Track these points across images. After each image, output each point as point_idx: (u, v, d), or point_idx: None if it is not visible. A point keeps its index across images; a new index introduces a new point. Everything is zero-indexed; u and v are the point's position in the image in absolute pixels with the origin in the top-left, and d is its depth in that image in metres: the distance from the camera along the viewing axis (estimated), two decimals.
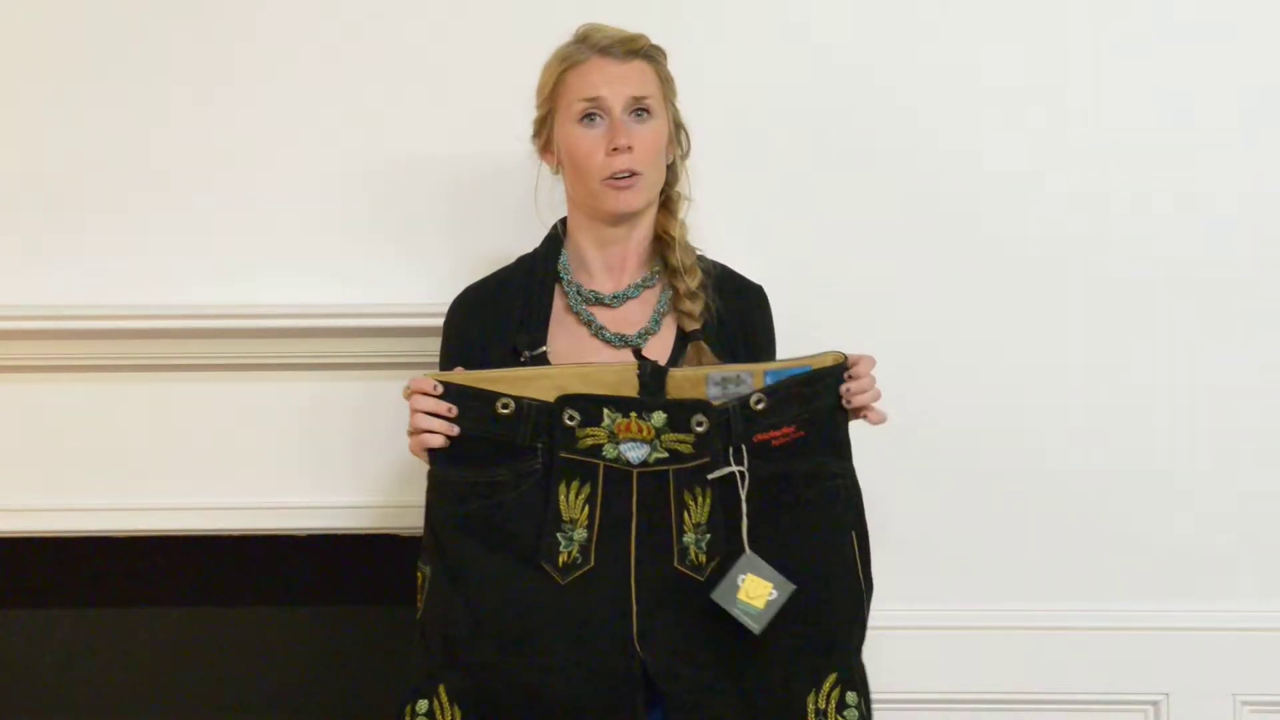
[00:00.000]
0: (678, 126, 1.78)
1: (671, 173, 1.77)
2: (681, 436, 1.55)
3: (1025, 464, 2.13)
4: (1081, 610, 2.14)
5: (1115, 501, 2.14)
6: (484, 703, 1.54)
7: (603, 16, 1.75)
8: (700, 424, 1.55)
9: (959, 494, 2.12)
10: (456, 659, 1.55)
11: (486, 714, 1.54)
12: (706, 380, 1.56)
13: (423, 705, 1.55)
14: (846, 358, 1.60)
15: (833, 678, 1.57)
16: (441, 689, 1.54)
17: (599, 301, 1.74)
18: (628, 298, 1.75)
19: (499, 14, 2.11)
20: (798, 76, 2.12)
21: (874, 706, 1.63)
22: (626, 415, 1.55)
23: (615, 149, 1.67)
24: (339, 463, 2.10)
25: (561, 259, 1.77)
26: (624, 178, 1.68)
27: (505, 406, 1.55)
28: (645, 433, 1.55)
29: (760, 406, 1.56)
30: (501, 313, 1.70)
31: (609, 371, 1.58)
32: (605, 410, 1.55)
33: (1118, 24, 2.13)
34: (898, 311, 2.10)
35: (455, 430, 1.55)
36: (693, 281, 1.72)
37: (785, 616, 1.53)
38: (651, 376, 1.56)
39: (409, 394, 1.58)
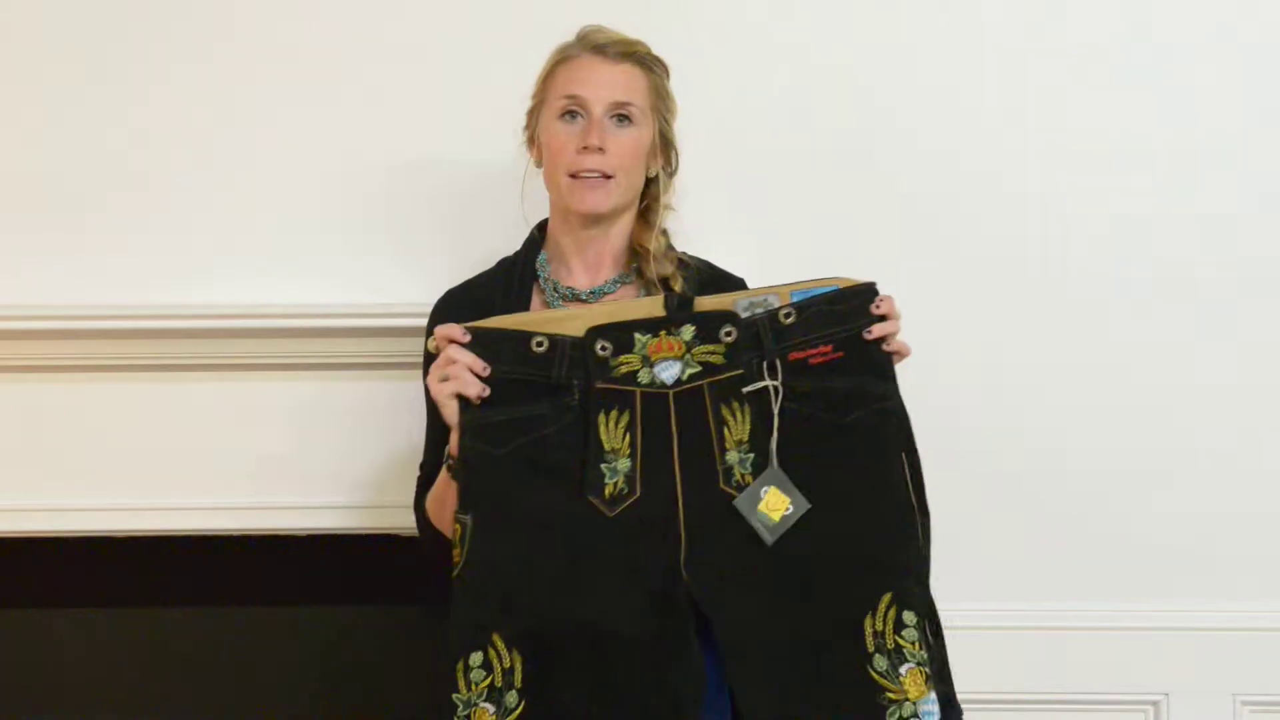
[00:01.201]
0: (666, 141, 1.78)
1: (654, 186, 1.78)
2: (711, 347, 1.55)
3: (1024, 464, 2.13)
4: (1081, 610, 2.14)
5: (1115, 501, 2.14)
6: (542, 643, 1.52)
7: (599, 17, 1.76)
8: (729, 334, 1.55)
9: (957, 494, 2.09)
10: (510, 603, 1.52)
11: (544, 653, 1.52)
12: (734, 304, 1.58)
13: (476, 658, 1.51)
14: (874, 283, 1.60)
15: (887, 597, 1.54)
16: (496, 637, 1.51)
17: (575, 297, 1.74)
18: (604, 293, 1.75)
19: (497, 16, 2.11)
20: (792, 74, 2.12)
21: None
22: (656, 335, 1.55)
23: (586, 147, 1.67)
24: (339, 463, 2.10)
25: (540, 257, 1.78)
26: (591, 177, 1.68)
27: (540, 345, 1.54)
28: (676, 349, 1.55)
29: (789, 320, 1.56)
30: (481, 312, 1.69)
31: (637, 306, 1.59)
32: (635, 334, 1.55)
33: (1118, 22, 2.13)
34: None
35: (486, 391, 1.53)
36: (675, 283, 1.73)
37: (834, 539, 1.53)
38: (679, 303, 1.58)
39: (436, 343, 1.56)
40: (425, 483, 1.76)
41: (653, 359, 1.55)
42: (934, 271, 2.11)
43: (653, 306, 1.58)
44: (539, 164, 1.78)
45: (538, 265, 1.78)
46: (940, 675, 1.56)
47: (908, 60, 2.13)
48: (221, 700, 2.23)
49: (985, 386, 2.12)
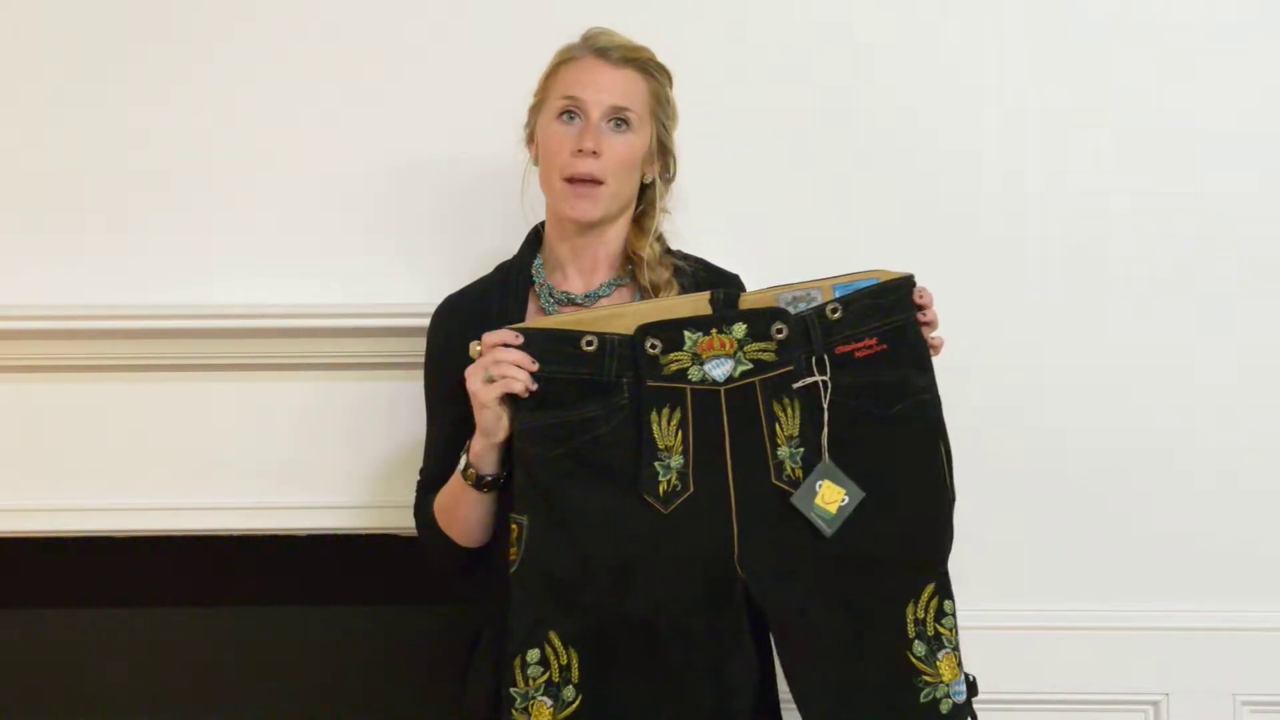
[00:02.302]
0: (664, 148, 1.78)
1: (650, 192, 1.78)
2: (763, 345, 1.56)
3: (1023, 464, 2.13)
4: (1081, 610, 2.14)
5: (1115, 501, 2.14)
6: (598, 639, 1.54)
7: (598, 17, 1.76)
8: (780, 331, 1.56)
9: (957, 494, 2.12)
10: (567, 601, 1.54)
11: (601, 649, 1.54)
12: (778, 300, 1.60)
13: (534, 654, 1.53)
14: (913, 276, 1.63)
15: (930, 588, 1.60)
16: (553, 635, 1.54)
17: (571, 302, 1.75)
18: (600, 296, 1.75)
19: (497, 15, 2.10)
20: (789, 70, 2.12)
21: None
22: (707, 333, 1.56)
23: (580, 150, 1.68)
24: (340, 463, 2.09)
25: (536, 262, 1.78)
26: (585, 183, 1.69)
27: (590, 344, 1.55)
28: (728, 347, 1.56)
29: (836, 316, 1.58)
30: (478, 319, 1.69)
31: (683, 303, 1.60)
32: (685, 332, 1.56)
33: (1128, 18, 2.13)
34: None
35: (534, 385, 1.53)
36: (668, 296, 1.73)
37: (882, 530, 1.57)
38: (725, 300, 1.59)
39: (483, 348, 1.56)
40: (426, 488, 1.76)
41: (703, 357, 1.56)
42: (935, 269, 2.10)
43: (698, 304, 1.59)
44: (536, 162, 1.79)
45: (533, 270, 1.78)
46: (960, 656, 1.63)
47: (913, 58, 2.13)
48: (222, 700, 2.23)
49: (985, 387, 2.11)
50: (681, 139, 1.82)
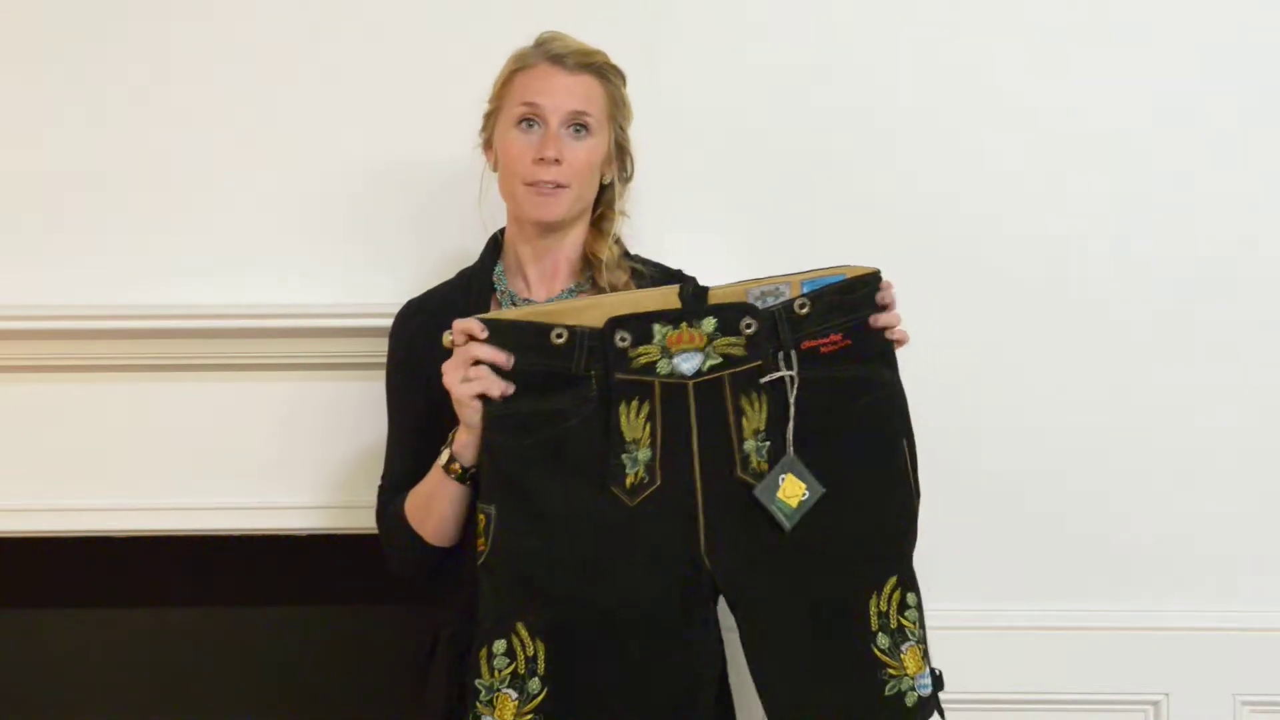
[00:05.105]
0: (621, 149, 1.78)
1: (608, 193, 1.78)
2: (732, 340, 1.56)
3: (1024, 464, 2.13)
4: (1081, 610, 2.14)
5: (1115, 502, 2.14)
6: (565, 631, 1.54)
7: (562, 18, 1.76)
8: (749, 326, 1.56)
9: (957, 494, 2.11)
10: (534, 593, 1.54)
11: (568, 641, 1.54)
12: (747, 295, 1.60)
13: (500, 645, 1.53)
14: (879, 271, 1.63)
15: (893, 580, 1.61)
16: (520, 626, 1.53)
17: None
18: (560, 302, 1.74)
19: (468, 19, 2.10)
20: (772, 77, 2.12)
21: None
22: (677, 326, 1.55)
23: (542, 159, 1.68)
24: (339, 462, 2.10)
25: (497, 269, 1.79)
26: (547, 188, 1.69)
27: (559, 336, 1.54)
28: (697, 340, 1.56)
29: (804, 311, 1.58)
30: (440, 325, 1.66)
31: (652, 295, 1.60)
32: (655, 326, 1.55)
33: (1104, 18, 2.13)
34: None
35: (510, 388, 1.53)
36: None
37: (845, 523, 1.58)
38: (694, 294, 1.59)
39: (455, 339, 1.55)
40: (389, 492, 1.75)
41: (672, 350, 1.55)
42: (918, 270, 2.09)
43: (667, 297, 1.58)
44: (495, 168, 1.78)
45: (494, 277, 1.78)
46: (927, 650, 1.63)
47: (881, 57, 2.12)
48: (221, 700, 2.24)
49: (981, 387, 2.12)
50: (645, 142, 1.82)
